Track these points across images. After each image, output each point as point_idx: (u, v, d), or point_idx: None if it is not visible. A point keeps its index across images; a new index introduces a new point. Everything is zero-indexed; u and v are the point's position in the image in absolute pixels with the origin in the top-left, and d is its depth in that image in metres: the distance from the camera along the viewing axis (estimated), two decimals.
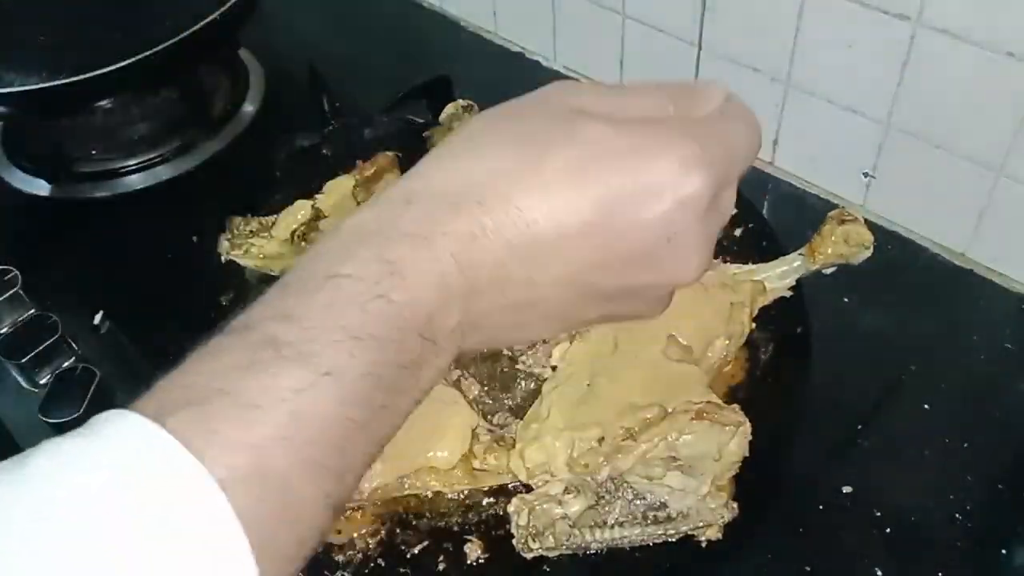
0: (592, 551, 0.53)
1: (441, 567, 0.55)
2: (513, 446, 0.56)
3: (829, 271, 0.61)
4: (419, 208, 0.33)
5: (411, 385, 0.32)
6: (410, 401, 0.33)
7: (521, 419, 0.58)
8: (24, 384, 0.69)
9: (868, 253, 0.60)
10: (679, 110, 0.37)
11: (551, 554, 0.53)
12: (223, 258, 0.72)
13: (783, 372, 0.61)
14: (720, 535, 0.53)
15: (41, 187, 0.86)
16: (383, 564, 0.55)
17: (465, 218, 0.32)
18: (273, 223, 0.73)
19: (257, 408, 0.28)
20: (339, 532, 0.56)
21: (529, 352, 0.62)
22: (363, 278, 0.31)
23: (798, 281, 0.62)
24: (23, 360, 0.67)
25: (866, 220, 0.61)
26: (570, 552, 0.53)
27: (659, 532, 0.53)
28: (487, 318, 0.34)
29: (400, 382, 0.31)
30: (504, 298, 0.34)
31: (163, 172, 0.87)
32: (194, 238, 0.77)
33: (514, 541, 0.53)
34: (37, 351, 0.67)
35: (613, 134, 0.34)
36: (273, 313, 0.31)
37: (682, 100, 0.37)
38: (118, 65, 0.74)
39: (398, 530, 0.56)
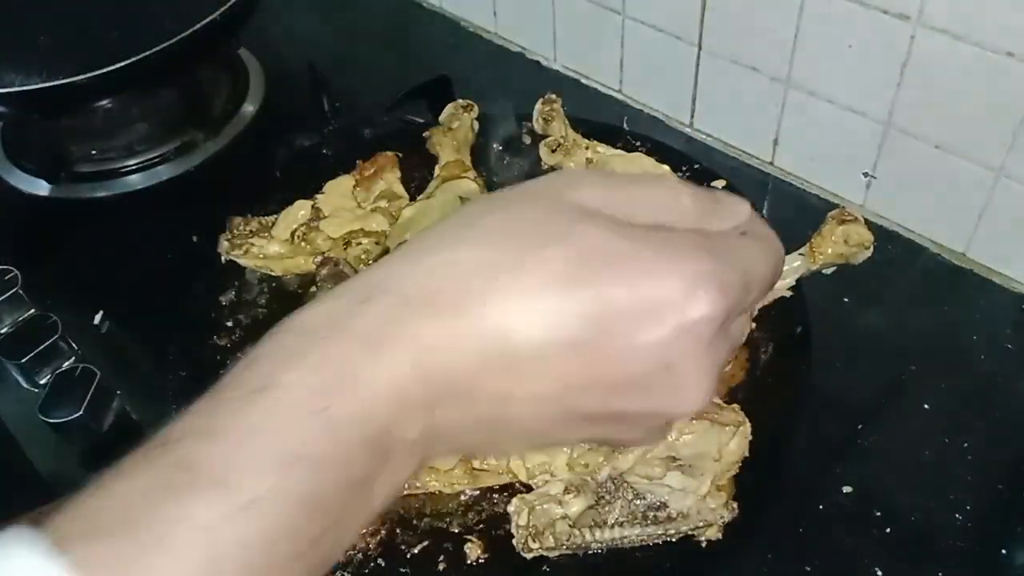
0: (592, 551, 0.53)
1: (441, 567, 0.55)
2: None
3: (829, 271, 0.61)
4: (377, 306, 0.28)
5: (360, 504, 0.28)
6: (360, 520, 0.29)
7: None
8: (24, 384, 0.69)
9: (868, 253, 0.60)
10: (695, 219, 0.32)
11: (551, 554, 0.53)
12: (223, 258, 0.72)
13: (783, 372, 0.61)
14: (720, 535, 0.53)
15: (41, 187, 0.86)
16: (383, 564, 0.55)
17: (430, 321, 0.28)
18: (273, 223, 0.74)
19: (167, 546, 0.24)
20: None
21: None
22: (303, 389, 0.27)
23: (798, 281, 0.62)
24: (23, 360, 0.67)
25: (866, 220, 0.61)
26: (570, 552, 0.53)
27: (659, 532, 0.53)
28: (455, 431, 0.30)
29: (346, 503, 0.27)
30: (474, 412, 0.30)
31: (163, 172, 0.87)
32: (194, 238, 0.77)
33: (514, 541, 0.53)
34: (37, 351, 0.67)
35: (614, 237, 0.29)
36: (195, 428, 0.27)
37: (700, 207, 0.32)
38: (118, 65, 0.74)
39: (398, 530, 0.56)
